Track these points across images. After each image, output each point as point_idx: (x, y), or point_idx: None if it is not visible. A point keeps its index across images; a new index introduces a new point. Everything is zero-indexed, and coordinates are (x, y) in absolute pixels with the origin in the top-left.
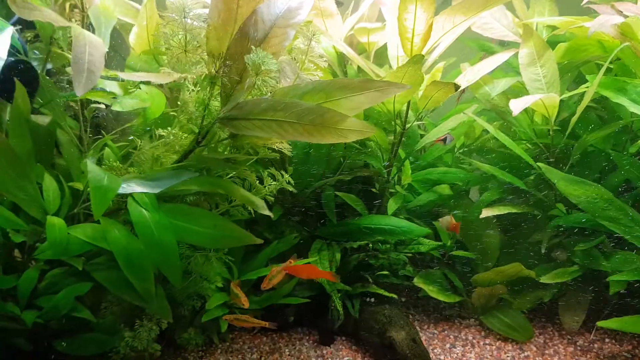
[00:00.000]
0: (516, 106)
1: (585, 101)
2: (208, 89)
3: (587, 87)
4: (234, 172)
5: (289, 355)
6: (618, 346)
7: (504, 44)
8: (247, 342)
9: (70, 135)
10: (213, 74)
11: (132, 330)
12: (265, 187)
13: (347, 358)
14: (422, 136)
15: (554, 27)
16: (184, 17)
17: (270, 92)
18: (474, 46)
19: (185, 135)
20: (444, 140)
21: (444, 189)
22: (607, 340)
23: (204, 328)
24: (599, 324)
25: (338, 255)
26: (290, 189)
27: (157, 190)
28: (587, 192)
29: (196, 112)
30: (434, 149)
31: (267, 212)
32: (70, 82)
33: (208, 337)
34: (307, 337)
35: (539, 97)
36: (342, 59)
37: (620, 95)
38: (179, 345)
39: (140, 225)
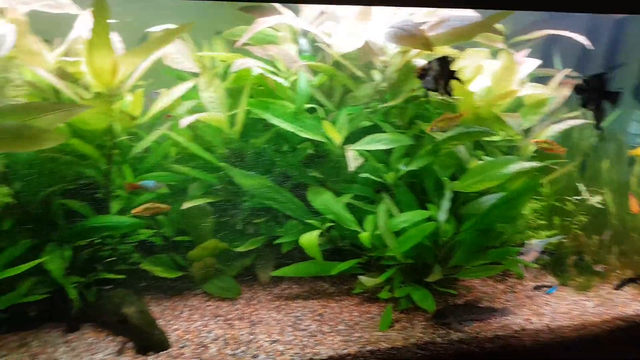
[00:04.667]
0: (183, 122)
1: (240, 116)
2: None
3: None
4: None
5: (36, 346)
6: (300, 289)
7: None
8: None
9: None
10: None
11: None
12: None
13: (91, 339)
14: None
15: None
16: None
17: None
18: (172, 75)
19: None
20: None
21: (162, 189)
22: (294, 286)
23: None
24: (272, 273)
25: (67, 253)
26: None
27: None
28: (253, 182)
29: None
30: (151, 156)
31: None
32: None
33: None
34: (56, 329)
35: (202, 115)
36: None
37: (264, 112)
38: None
39: None
